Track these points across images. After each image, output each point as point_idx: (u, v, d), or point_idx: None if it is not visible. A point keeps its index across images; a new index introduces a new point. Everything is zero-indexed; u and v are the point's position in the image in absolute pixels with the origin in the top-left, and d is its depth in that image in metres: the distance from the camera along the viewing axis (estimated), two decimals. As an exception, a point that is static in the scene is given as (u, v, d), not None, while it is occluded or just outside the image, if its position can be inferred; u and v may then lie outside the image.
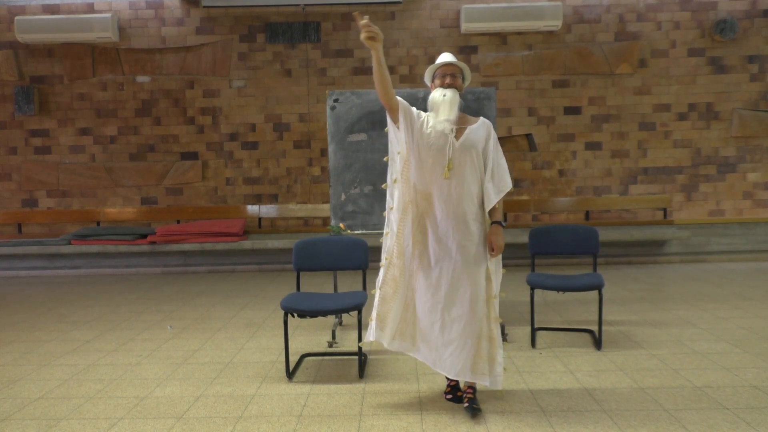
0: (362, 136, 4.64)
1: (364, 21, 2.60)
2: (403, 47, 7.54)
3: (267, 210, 7.70)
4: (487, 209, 2.90)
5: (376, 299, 2.97)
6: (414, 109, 2.95)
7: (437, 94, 2.90)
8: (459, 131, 2.88)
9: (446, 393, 3.09)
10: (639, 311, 4.89)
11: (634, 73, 7.48)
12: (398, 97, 2.88)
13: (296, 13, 7.53)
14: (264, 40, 7.58)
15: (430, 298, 2.87)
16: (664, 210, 7.54)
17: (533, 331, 4.02)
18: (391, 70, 7.54)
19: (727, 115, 7.51)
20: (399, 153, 2.96)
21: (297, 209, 7.67)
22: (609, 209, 7.61)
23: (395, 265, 2.94)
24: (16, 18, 7.31)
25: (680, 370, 3.44)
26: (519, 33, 7.48)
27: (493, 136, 2.98)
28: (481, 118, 3.03)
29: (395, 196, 2.96)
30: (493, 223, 2.91)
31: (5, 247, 7.25)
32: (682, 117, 7.54)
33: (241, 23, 7.57)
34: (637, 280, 6.26)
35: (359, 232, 4.57)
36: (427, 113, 2.94)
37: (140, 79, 7.66)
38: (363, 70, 7.57)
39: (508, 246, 6.71)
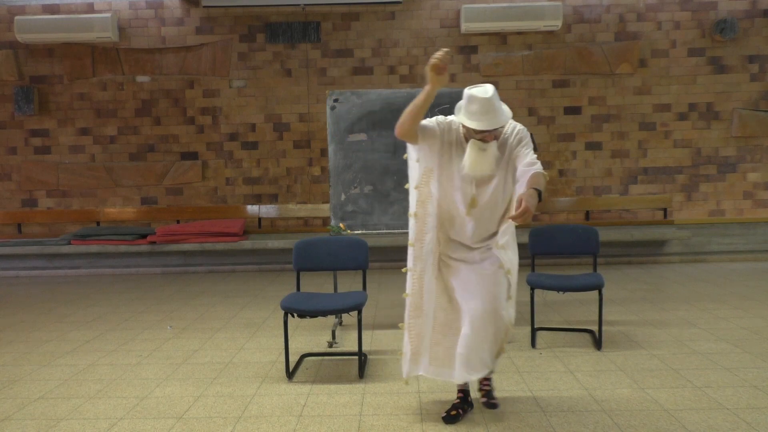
0: (362, 136, 4.64)
1: (443, 52, 2.38)
2: (403, 47, 7.54)
3: (267, 210, 7.70)
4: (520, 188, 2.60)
5: (406, 333, 2.85)
6: (437, 124, 2.67)
7: (475, 149, 2.57)
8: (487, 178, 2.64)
9: (453, 411, 2.88)
10: (639, 311, 4.89)
11: (634, 73, 7.48)
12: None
13: (296, 13, 7.53)
14: (264, 40, 7.58)
15: (450, 311, 2.76)
16: (664, 210, 7.54)
17: (533, 331, 4.02)
18: (391, 70, 7.55)
19: (727, 115, 7.51)
20: (418, 161, 2.74)
21: (297, 209, 7.67)
22: (609, 209, 7.60)
23: (416, 292, 2.80)
24: (16, 18, 7.31)
25: (680, 370, 3.44)
26: (519, 33, 7.47)
27: (521, 140, 2.65)
28: (510, 125, 2.68)
29: (413, 203, 2.77)
30: (530, 189, 2.55)
31: (5, 247, 7.25)
32: (682, 117, 7.54)
33: (240, 23, 7.56)
34: (637, 280, 6.26)
35: (359, 232, 4.57)
36: (455, 126, 2.67)
37: (140, 79, 7.65)
38: (363, 70, 7.57)
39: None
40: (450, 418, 2.81)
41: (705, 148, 7.55)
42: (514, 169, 2.63)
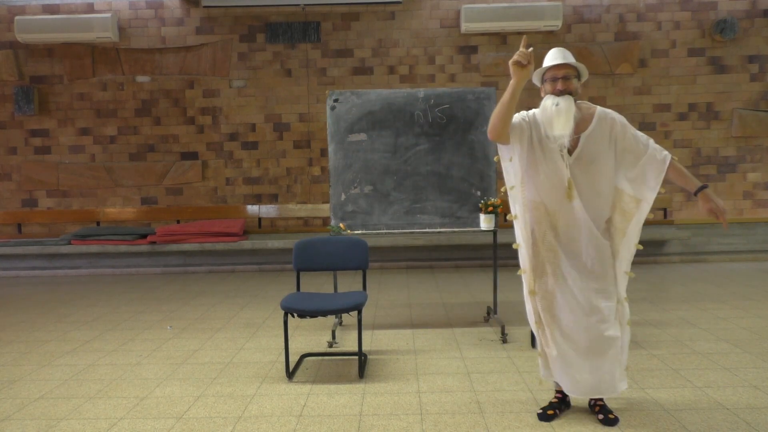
0: (362, 136, 4.63)
1: (527, 50, 2.40)
2: (403, 47, 7.54)
3: (267, 210, 7.70)
4: (649, 203, 2.58)
5: (538, 336, 2.76)
6: (522, 119, 2.60)
7: (549, 104, 2.54)
8: (573, 141, 2.55)
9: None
10: (639, 311, 4.89)
11: (634, 73, 7.48)
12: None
13: (296, 13, 7.53)
14: (264, 40, 7.58)
15: (578, 317, 2.63)
16: (664, 210, 7.54)
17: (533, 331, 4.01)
18: (391, 70, 7.55)
19: (727, 115, 7.51)
20: (511, 160, 2.64)
21: (297, 209, 7.67)
22: (609, 209, 7.59)
23: (539, 294, 2.70)
24: (16, 18, 7.31)
25: (680, 370, 3.44)
26: (519, 33, 7.47)
27: (619, 128, 2.61)
28: (597, 111, 2.61)
29: (516, 205, 2.68)
30: (696, 193, 2.57)
31: (5, 247, 7.25)
32: (682, 117, 7.54)
33: (241, 23, 7.57)
34: (637, 280, 6.26)
35: (359, 232, 4.56)
36: (539, 116, 2.62)
37: (140, 79, 7.65)
38: (363, 70, 7.58)
39: (509, 246, 6.73)
40: (546, 416, 2.79)
41: (705, 148, 7.55)
42: (622, 158, 2.61)
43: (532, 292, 2.71)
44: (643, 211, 2.62)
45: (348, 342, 4.17)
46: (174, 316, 5.12)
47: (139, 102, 7.67)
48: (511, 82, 2.46)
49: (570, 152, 2.59)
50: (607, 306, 2.66)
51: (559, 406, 2.84)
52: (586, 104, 2.67)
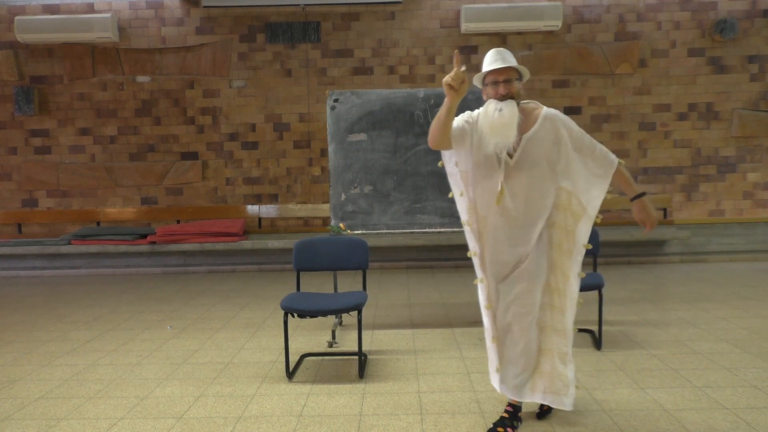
0: (362, 136, 4.64)
1: (460, 70, 2.29)
2: (403, 47, 7.54)
3: (267, 210, 7.70)
4: (596, 205, 2.57)
5: (491, 347, 2.71)
6: (465, 122, 2.56)
7: (491, 109, 2.45)
8: (514, 144, 2.48)
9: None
10: (639, 311, 4.89)
11: (634, 73, 7.48)
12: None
13: (296, 13, 7.53)
14: (264, 40, 7.58)
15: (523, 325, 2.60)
16: (665, 210, 7.54)
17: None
18: (391, 70, 7.55)
19: (727, 115, 7.51)
20: (456, 164, 2.62)
21: (297, 209, 7.67)
22: (609, 209, 7.60)
23: (492, 303, 2.66)
24: (16, 18, 7.31)
25: (680, 370, 3.44)
26: (519, 33, 7.48)
27: (566, 130, 2.51)
28: (543, 112, 2.53)
29: (462, 211, 2.67)
30: (633, 200, 2.59)
31: (5, 247, 7.25)
32: (682, 117, 7.54)
33: (241, 23, 7.57)
34: (637, 280, 6.26)
35: (359, 232, 4.57)
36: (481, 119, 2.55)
37: (140, 79, 7.65)
38: (363, 70, 7.58)
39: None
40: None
41: (705, 148, 7.55)
42: (566, 161, 2.53)
43: (489, 306, 2.65)
44: (591, 213, 2.59)
45: (348, 342, 4.17)
46: (174, 316, 5.12)
47: (139, 102, 7.67)
48: (446, 100, 2.37)
49: (511, 155, 2.52)
50: (544, 313, 2.63)
51: (511, 422, 2.70)
52: (532, 104, 2.60)
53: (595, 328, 4.09)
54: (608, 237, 6.89)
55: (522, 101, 2.58)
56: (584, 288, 3.93)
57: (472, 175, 2.59)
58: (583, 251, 2.62)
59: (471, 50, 7.52)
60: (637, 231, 7.14)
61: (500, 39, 7.50)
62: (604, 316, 4.51)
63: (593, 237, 4.19)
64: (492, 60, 2.50)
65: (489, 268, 2.64)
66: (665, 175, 7.58)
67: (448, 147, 2.55)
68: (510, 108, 2.42)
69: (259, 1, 7.27)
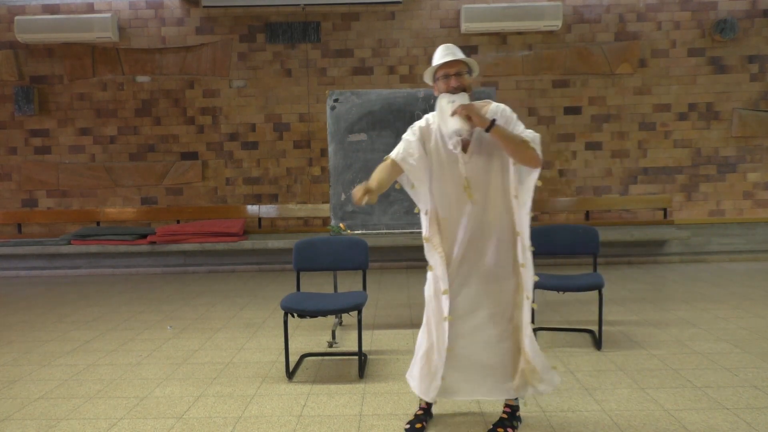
0: (362, 136, 4.64)
1: (359, 199, 2.39)
2: (403, 47, 7.54)
3: (267, 210, 7.70)
4: (525, 201, 2.52)
5: (422, 351, 2.67)
6: (411, 142, 2.58)
7: (444, 102, 2.50)
8: (465, 142, 2.53)
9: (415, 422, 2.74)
10: (639, 311, 4.89)
11: (634, 73, 7.48)
12: (393, 159, 2.55)
13: (296, 13, 7.53)
14: (264, 40, 7.58)
15: (463, 325, 2.60)
16: (664, 210, 7.54)
17: (533, 331, 4.01)
18: (391, 70, 7.55)
19: (727, 115, 7.51)
20: (413, 187, 2.64)
21: (297, 209, 7.67)
22: (609, 209, 7.60)
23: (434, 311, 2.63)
24: (16, 18, 7.31)
25: (680, 370, 3.44)
26: (519, 33, 7.47)
27: (504, 121, 2.50)
28: (491, 107, 2.56)
29: (425, 227, 2.64)
30: (488, 130, 2.44)
31: (5, 247, 7.25)
32: (682, 117, 7.54)
33: (241, 23, 7.57)
34: (637, 280, 6.26)
35: (359, 232, 4.56)
36: (433, 122, 2.60)
37: (140, 79, 7.65)
38: (363, 70, 7.57)
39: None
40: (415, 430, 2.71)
41: (705, 148, 7.55)
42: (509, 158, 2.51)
43: (448, 318, 2.59)
44: (521, 200, 2.53)
45: (348, 342, 4.17)
46: (174, 316, 5.12)
47: (139, 102, 7.67)
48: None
49: (465, 151, 2.54)
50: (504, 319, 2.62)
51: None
52: (482, 102, 2.61)
53: (595, 328, 4.09)
54: (608, 237, 6.89)
55: (473, 100, 2.60)
56: (585, 288, 3.94)
57: (437, 186, 2.60)
58: (528, 244, 2.55)
59: (471, 50, 7.52)
60: (638, 231, 7.14)
61: (500, 39, 7.51)
62: (604, 316, 4.51)
63: (593, 236, 4.19)
64: (442, 55, 2.55)
65: (455, 276, 2.59)
66: (665, 175, 7.58)
67: (398, 172, 2.59)
68: (462, 99, 2.48)
69: (259, 1, 7.27)
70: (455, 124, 2.44)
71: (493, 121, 2.42)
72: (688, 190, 7.59)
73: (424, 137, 2.61)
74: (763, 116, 7.48)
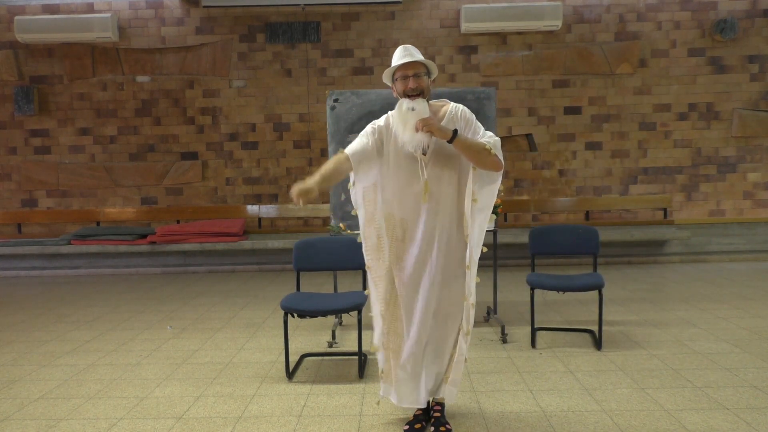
0: (362, 136, 4.63)
1: (296, 202, 2.43)
2: (403, 47, 7.53)
3: (267, 210, 7.70)
4: (485, 204, 2.55)
5: (382, 357, 2.69)
6: (368, 138, 2.61)
7: (404, 108, 2.48)
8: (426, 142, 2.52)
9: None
10: (639, 311, 4.89)
11: (634, 73, 7.48)
12: (346, 155, 2.57)
13: (296, 13, 7.53)
14: (264, 40, 7.58)
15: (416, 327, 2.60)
16: (664, 210, 7.54)
17: (533, 331, 4.02)
18: (391, 70, 7.53)
19: (727, 115, 7.51)
20: (354, 184, 2.66)
21: (297, 209, 7.67)
22: (609, 209, 7.60)
23: (388, 315, 2.68)
24: (16, 18, 7.31)
25: (680, 370, 3.44)
26: (519, 33, 7.47)
27: (463, 123, 2.52)
28: (449, 108, 2.57)
29: (361, 226, 2.69)
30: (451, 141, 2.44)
31: (5, 247, 7.25)
32: (682, 117, 7.54)
33: (240, 23, 7.57)
34: (637, 280, 6.26)
35: (359, 232, 4.56)
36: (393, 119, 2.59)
37: (140, 79, 7.65)
38: (363, 70, 7.57)
39: (509, 246, 6.73)
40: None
41: (705, 148, 7.55)
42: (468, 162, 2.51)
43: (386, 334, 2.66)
44: (482, 204, 2.55)
45: (348, 342, 4.17)
46: (174, 316, 5.12)
47: (139, 102, 7.67)
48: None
49: (425, 153, 2.54)
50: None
51: (424, 417, 2.73)
52: (439, 102, 2.63)
53: (595, 328, 4.09)
54: (608, 237, 6.89)
55: (432, 100, 2.61)
56: (585, 288, 3.94)
57: (384, 183, 2.61)
58: (478, 252, 2.58)
59: (471, 50, 7.52)
60: (638, 231, 7.14)
61: (500, 39, 7.51)
62: (604, 316, 4.51)
63: (593, 236, 4.19)
64: (401, 56, 2.54)
65: (411, 278, 2.61)
66: (665, 175, 7.58)
67: (348, 171, 2.62)
68: (422, 106, 2.47)
69: (259, 1, 7.27)
70: (419, 137, 2.45)
71: (455, 132, 2.43)
72: (688, 190, 7.59)
73: (382, 136, 2.62)
74: (763, 116, 7.48)
